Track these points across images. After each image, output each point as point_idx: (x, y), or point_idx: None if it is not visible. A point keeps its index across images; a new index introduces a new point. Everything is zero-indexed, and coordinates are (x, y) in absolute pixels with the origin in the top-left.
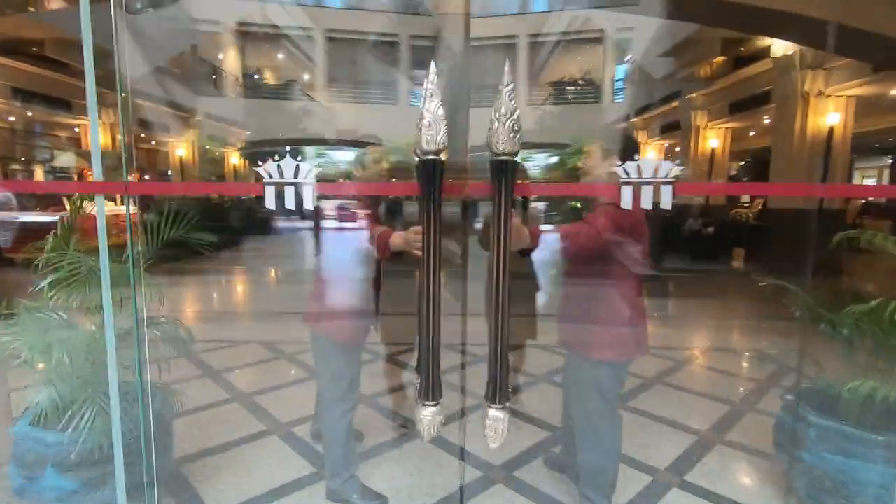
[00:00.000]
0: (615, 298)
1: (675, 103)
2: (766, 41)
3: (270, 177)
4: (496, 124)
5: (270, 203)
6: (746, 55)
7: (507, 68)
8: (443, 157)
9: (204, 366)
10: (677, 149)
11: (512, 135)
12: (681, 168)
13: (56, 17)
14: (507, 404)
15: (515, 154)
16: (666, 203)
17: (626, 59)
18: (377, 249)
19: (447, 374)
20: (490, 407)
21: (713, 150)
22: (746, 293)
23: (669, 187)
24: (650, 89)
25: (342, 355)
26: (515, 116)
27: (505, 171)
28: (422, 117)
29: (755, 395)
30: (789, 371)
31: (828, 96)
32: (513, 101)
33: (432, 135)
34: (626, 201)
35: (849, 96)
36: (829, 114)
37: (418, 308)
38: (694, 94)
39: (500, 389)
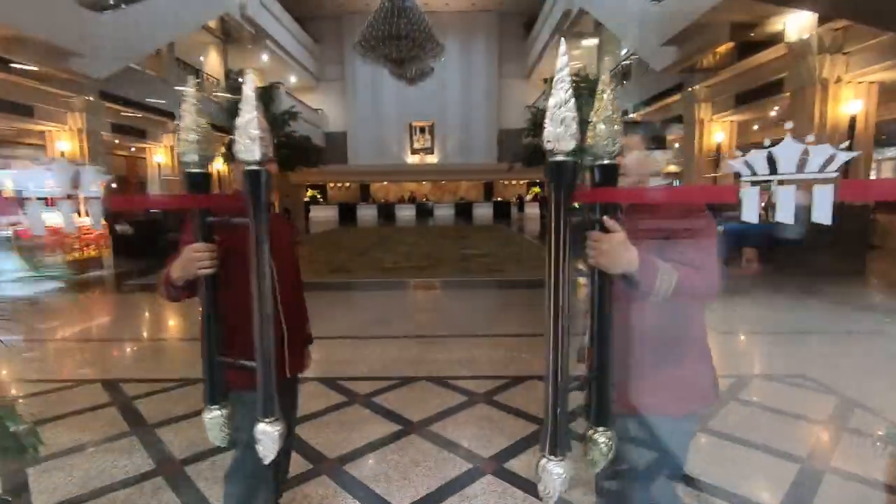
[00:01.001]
0: (691, 333)
1: (676, 96)
2: (778, 25)
3: None
4: (547, 118)
5: None
6: (756, 41)
7: (562, 49)
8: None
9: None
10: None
11: (563, 129)
12: (850, 153)
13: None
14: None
15: (572, 153)
16: (824, 214)
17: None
18: (165, 294)
19: None
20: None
21: (718, 144)
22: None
23: (829, 189)
24: (649, 82)
25: None
26: (570, 107)
27: (560, 174)
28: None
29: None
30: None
31: (848, 83)
32: (566, 91)
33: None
34: (751, 210)
35: (871, 82)
36: (850, 101)
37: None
38: (697, 87)
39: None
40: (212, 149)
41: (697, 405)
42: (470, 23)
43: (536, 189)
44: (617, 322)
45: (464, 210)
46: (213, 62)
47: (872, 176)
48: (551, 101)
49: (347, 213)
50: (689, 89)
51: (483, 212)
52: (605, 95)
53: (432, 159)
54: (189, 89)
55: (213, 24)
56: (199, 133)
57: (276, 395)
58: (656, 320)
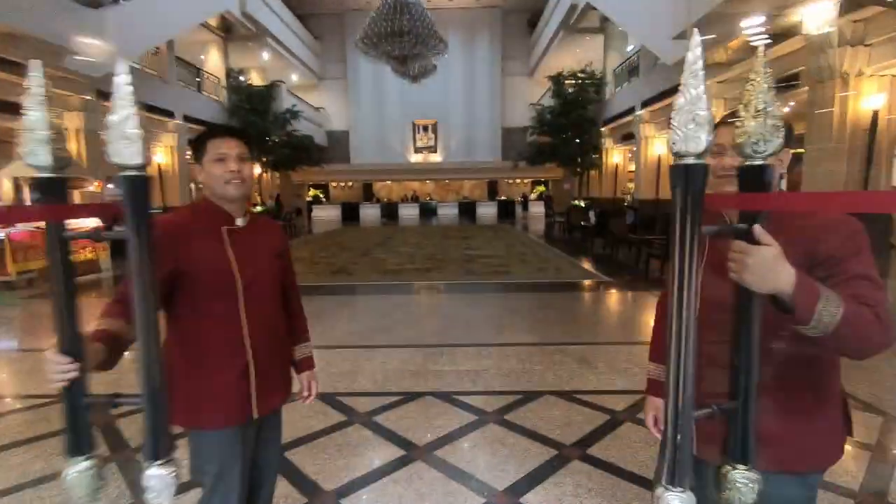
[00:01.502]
0: (832, 372)
1: None
2: (796, 17)
3: None
4: (675, 116)
5: None
6: (772, 34)
7: (696, 40)
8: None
9: None
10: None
11: (694, 128)
12: None
13: None
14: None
15: (703, 155)
16: None
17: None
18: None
19: None
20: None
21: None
22: None
23: None
24: (657, 78)
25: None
26: (702, 104)
27: (689, 179)
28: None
29: None
30: None
31: (870, 76)
32: (698, 87)
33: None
34: None
35: (894, 75)
36: (872, 96)
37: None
38: (707, 82)
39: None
40: (66, 149)
41: (827, 462)
42: (473, 19)
43: (541, 188)
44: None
45: (467, 209)
46: (213, 60)
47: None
48: (680, 99)
49: (350, 212)
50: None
51: (487, 211)
52: (756, 84)
53: (436, 158)
54: (35, 75)
55: (213, 21)
56: (49, 130)
57: (239, 436)
58: (797, 351)
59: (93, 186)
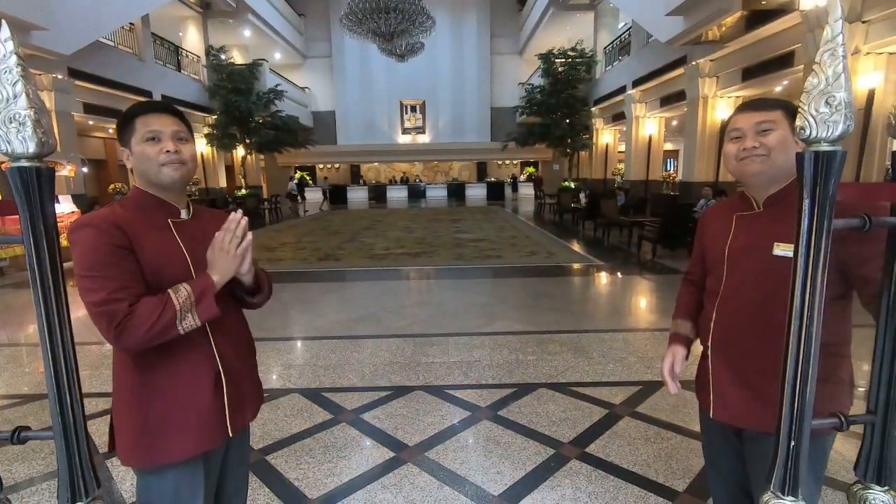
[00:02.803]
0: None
1: (679, 71)
2: None
3: None
4: (805, 98)
5: None
6: (767, 10)
7: (836, 13)
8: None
9: None
10: (674, 123)
11: (826, 112)
12: None
13: None
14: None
15: (838, 141)
16: None
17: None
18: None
19: None
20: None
21: (722, 122)
22: None
23: None
24: (649, 55)
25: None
26: (841, 84)
27: (823, 167)
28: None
29: None
30: None
31: (867, 54)
32: (838, 64)
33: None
34: None
35: (891, 53)
36: (869, 74)
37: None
38: (701, 60)
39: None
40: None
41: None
42: None
43: (531, 169)
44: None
45: (456, 191)
46: (192, 38)
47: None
48: (813, 80)
49: (338, 195)
50: (694, 63)
51: (476, 193)
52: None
53: (424, 139)
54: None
55: None
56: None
57: (202, 465)
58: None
59: (66, 171)
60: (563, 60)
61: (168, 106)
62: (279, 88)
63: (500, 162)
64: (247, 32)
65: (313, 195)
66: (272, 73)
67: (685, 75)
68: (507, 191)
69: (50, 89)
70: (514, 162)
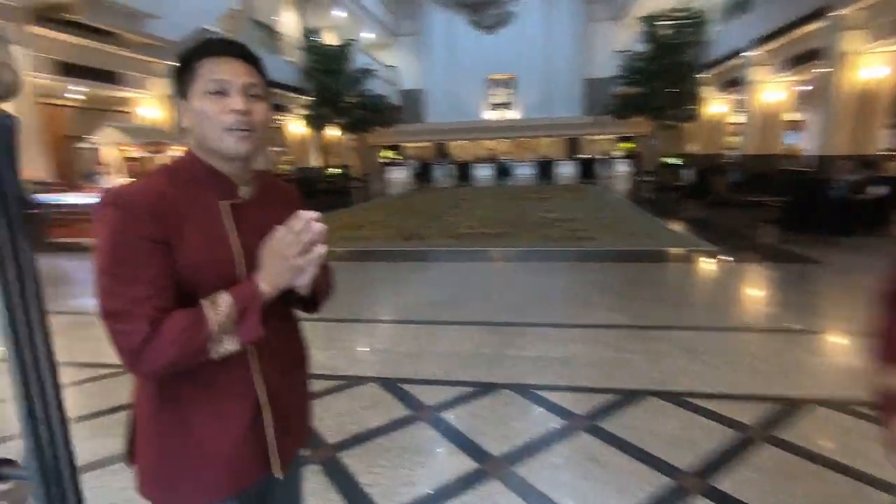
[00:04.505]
0: None
1: (814, 24)
2: None
3: None
4: None
5: None
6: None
7: None
8: None
9: None
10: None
11: None
12: None
13: None
14: None
15: None
16: None
17: None
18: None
19: None
20: None
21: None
22: None
23: None
24: (776, 9)
25: None
26: None
27: None
28: None
29: None
30: None
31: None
32: None
33: None
34: None
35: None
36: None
37: None
38: (846, 10)
39: None
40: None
41: None
42: None
43: (628, 144)
44: None
45: (545, 169)
46: (288, 21)
47: None
48: None
49: (424, 173)
50: (835, 13)
51: (566, 170)
52: None
53: (512, 115)
54: None
55: None
56: None
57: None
58: None
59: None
60: (668, 23)
61: (243, 48)
62: (369, 68)
63: (591, 137)
64: (340, 13)
65: (398, 174)
66: (362, 52)
67: (822, 30)
68: (601, 168)
69: (163, 76)
70: (609, 137)
